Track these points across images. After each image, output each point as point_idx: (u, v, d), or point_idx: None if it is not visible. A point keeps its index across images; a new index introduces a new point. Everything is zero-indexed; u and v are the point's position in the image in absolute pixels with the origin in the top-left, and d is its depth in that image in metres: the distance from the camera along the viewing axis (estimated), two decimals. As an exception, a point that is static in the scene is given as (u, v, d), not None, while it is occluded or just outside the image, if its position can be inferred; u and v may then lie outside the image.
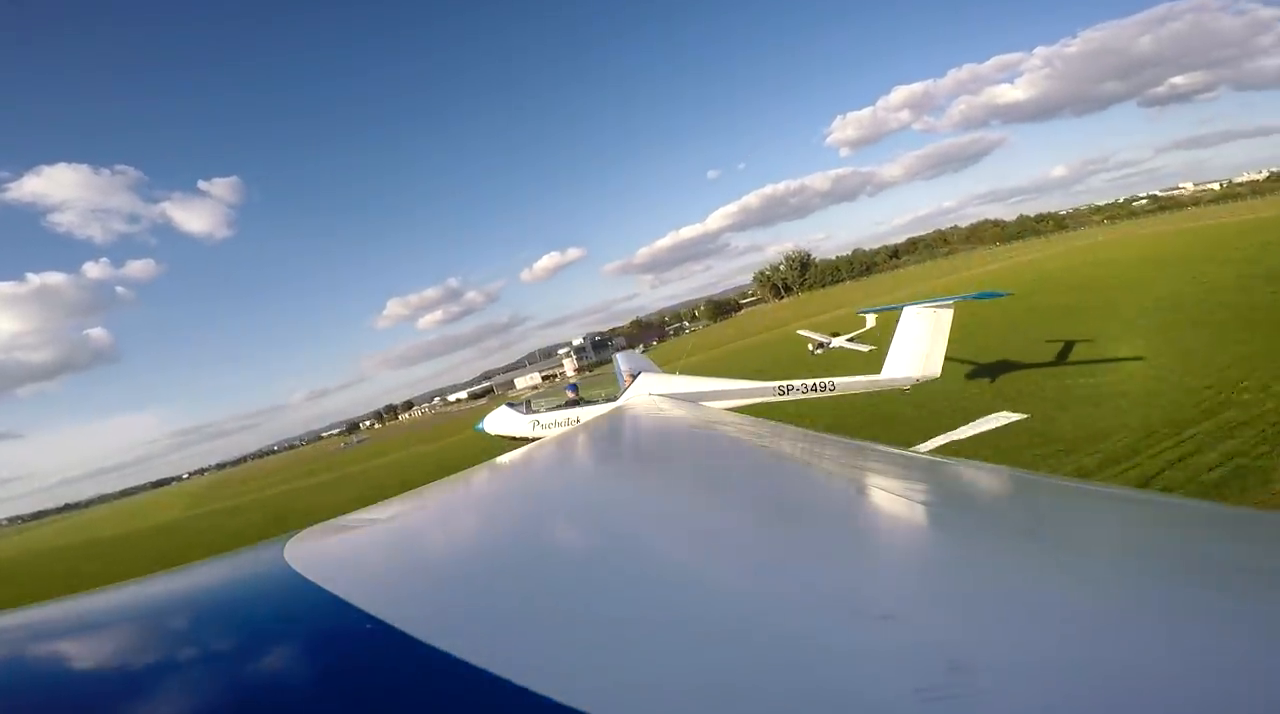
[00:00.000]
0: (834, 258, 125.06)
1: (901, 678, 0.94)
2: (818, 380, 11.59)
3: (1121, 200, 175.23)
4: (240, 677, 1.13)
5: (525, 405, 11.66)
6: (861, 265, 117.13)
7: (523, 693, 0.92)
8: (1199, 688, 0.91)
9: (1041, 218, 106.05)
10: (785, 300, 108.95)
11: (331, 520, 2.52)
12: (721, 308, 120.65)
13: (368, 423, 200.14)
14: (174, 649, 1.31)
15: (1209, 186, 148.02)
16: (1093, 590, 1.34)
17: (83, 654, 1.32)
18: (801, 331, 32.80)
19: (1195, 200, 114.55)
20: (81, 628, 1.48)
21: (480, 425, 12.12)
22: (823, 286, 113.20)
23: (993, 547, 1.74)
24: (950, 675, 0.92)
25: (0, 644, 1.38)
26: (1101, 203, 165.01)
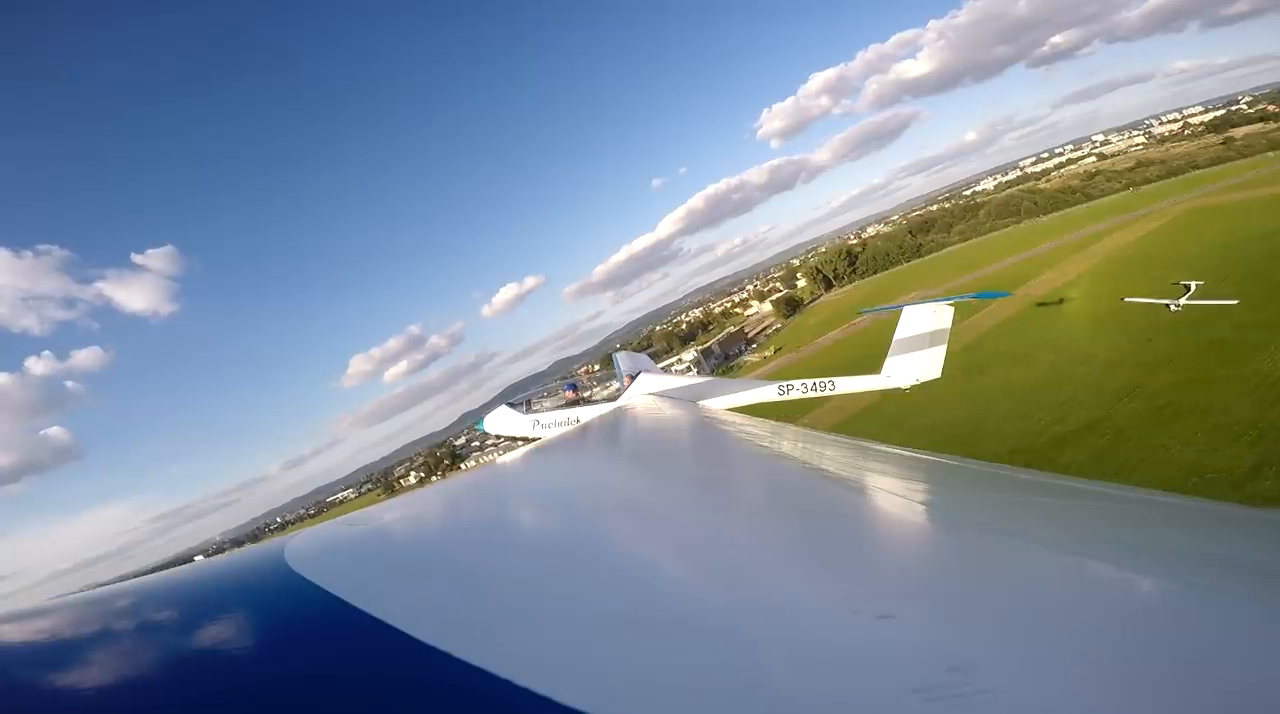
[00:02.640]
0: (879, 239, 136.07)
1: (901, 678, 0.95)
2: (817, 381, 11.45)
3: (1049, 156, 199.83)
4: (241, 677, 1.12)
5: (525, 405, 11.55)
6: (911, 247, 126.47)
7: (523, 693, 0.92)
8: (1199, 688, 0.92)
9: (1065, 189, 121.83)
10: (846, 288, 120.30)
11: (331, 520, 2.60)
12: (790, 302, 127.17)
13: (414, 478, 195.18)
14: (175, 649, 1.31)
15: (1134, 138, 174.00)
16: (1093, 590, 1.37)
17: (83, 654, 1.29)
18: (1132, 299, 36.26)
19: (1150, 159, 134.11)
20: (82, 627, 1.46)
21: (481, 425, 12.01)
22: (874, 272, 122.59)
23: (993, 546, 1.78)
24: (950, 675, 0.92)
25: (1, 643, 1.36)
26: (1043, 166, 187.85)
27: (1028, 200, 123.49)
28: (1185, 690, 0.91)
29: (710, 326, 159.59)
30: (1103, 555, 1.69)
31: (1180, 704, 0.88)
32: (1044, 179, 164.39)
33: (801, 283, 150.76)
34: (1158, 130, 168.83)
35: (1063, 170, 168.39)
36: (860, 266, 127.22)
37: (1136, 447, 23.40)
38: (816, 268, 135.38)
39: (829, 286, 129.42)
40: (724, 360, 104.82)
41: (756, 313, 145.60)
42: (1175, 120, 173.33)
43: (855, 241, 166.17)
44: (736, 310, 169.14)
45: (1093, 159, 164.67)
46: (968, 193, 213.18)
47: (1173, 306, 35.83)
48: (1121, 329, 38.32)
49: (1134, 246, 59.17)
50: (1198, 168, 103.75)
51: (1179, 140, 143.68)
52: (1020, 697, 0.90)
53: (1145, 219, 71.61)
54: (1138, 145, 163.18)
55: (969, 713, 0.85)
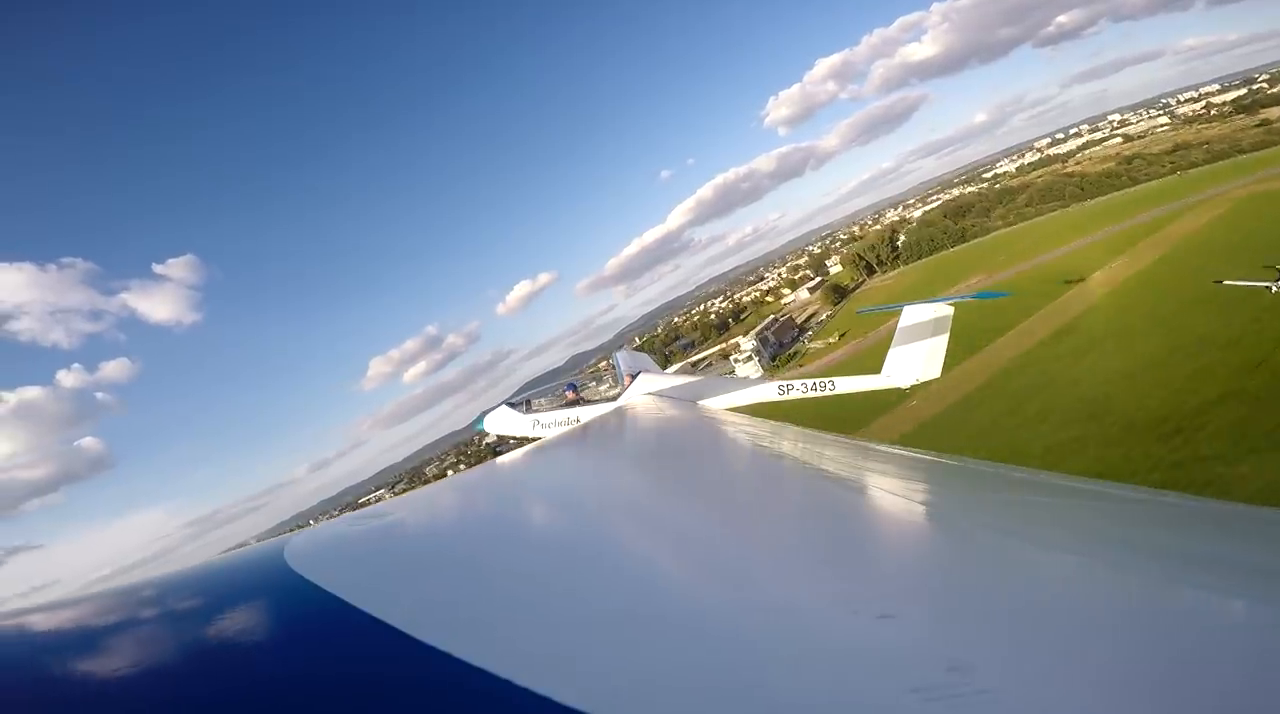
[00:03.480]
0: (917, 224, 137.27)
1: (901, 678, 0.95)
2: (818, 380, 11.56)
3: (1064, 136, 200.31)
4: (240, 677, 1.12)
5: (525, 405, 11.46)
6: (955, 233, 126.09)
7: (523, 693, 0.93)
8: (1199, 688, 0.92)
9: (1108, 174, 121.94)
10: (892, 274, 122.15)
11: (331, 520, 2.60)
12: (837, 289, 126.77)
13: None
14: (175, 649, 1.30)
15: (1157, 117, 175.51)
16: (1092, 590, 1.36)
17: (83, 654, 1.29)
18: (1229, 282, 36.21)
19: (1181, 140, 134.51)
20: (82, 628, 1.45)
21: (480, 425, 11.91)
22: (918, 258, 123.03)
23: (992, 546, 1.77)
24: (950, 675, 0.92)
25: (1, 643, 1.36)
26: (1073, 148, 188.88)
27: (1071, 184, 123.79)
28: (1184, 691, 0.92)
29: (743, 316, 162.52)
30: (1102, 555, 1.71)
31: (1180, 704, 0.88)
32: (1071, 160, 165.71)
33: (836, 269, 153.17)
34: (1181, 110, 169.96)
35: (1089, 152, 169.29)
36: (903, 252, 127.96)
37: (1278, 412, 25.24)
38: (858, 254, 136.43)
39: (871, 272, 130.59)
40: (780, 348, 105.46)
41: (796, 300, 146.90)
42: (1196, 99, 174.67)
43: (874, 225, 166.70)
44: (769, 298, 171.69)
45: (1118, 139, 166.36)
46: (988, 175, 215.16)
47: (1274, 288, 36.98)
48: (1221, 310, 40.38)
49: (1203, 231, 60.35)
50: (1243, 152, 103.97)
51: (1207, 121, 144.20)
52: (1020, 697, 0.91)
53: (1205, 205, 71.57)
54: (1163, 125, 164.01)
55: (968, 713, 0.86)
